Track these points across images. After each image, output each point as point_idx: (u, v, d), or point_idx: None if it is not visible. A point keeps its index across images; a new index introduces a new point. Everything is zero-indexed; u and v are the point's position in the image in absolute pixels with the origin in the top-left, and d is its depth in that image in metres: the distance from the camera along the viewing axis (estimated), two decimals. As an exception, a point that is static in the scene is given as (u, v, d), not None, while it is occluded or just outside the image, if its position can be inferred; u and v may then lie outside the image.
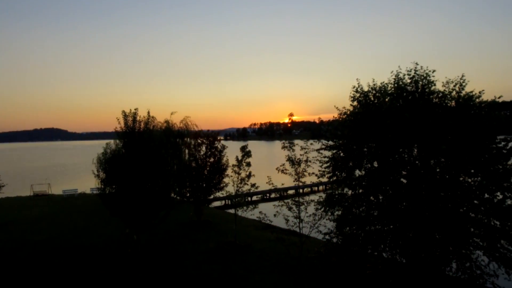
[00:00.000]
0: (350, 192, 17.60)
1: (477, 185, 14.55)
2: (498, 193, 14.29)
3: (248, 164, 23.56)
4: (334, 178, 18.06)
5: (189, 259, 20.76)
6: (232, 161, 24.82)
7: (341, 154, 17.93)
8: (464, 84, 15.80)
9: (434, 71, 16.37)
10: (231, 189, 24.84)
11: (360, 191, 17.18)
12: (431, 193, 14.88)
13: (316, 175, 17.81)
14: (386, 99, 16.75)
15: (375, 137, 16.22)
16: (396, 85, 16.86)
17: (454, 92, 15.89)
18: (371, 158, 16.69)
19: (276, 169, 17.55)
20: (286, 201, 17.02)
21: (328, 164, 18.10)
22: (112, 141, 21.63)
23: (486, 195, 14.38)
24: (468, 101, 15.31)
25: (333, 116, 19.61)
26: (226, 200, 42.39)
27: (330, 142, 18.46)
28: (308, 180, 17.57)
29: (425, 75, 16.34)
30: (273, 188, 19.06)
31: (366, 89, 17.68)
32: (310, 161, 17.17)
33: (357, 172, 17.41)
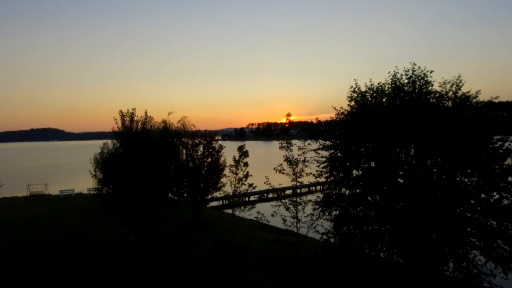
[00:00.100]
0: (347, 192, 17.64)
1: (473, 185, 14.62)
2: (495, 193, 14.36)
3: (246, 164, 23.54)
4: (332, 178, 18.10)
5: (186, 259, 20.73)
6: (229, 161, 24.78)
7: (339, 154, 17.96)
8: (460, 84, 15.88)
9: (432, 71, 16.43)
10: (228, 189, 24.81)
11: (358, 191, 17.22)
12: (428, 193, 14.93)
13: (314, 175, 17.83)
14: (384, 99, 16.80)
15: (372, 137, 16.26)
16: (393, 85, 16.92)
17: (450, 93, 15.98)
18: (368, 158, 16.73)
19: (274, 169, 17.54)
20: (283, 201, 17.01)
21: (326, 164, 18.12)
22: (109, 141, 21.57)
23: (483, 195, 14.45)
24: (465, 101, 15.38)
25: (331, 116, 19.67)
26: (224, 200, 42.43)
27: (328, 142, 18.49)
28: (306, 180, 17.59)
29: (422, 75, 16.40)
30: (270, 188, 19.06)
31: (363, 89, 17.74)
32: (307, 161, 17.17)
33: (355, 172, 17.45)
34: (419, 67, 16.61)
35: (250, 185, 22.94)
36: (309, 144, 17.73)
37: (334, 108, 18.77)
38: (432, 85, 16.33)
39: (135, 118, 21.10)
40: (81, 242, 24.28)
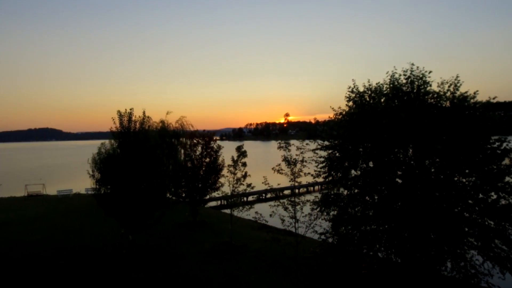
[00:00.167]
0: (345, 192, 17.65)
1: (471, 185, 14.65)
2: (493, 193, 14.41)
3: (244, 164, 23.55)
4: (330, 178, 18.11)
5: (184, 260, 20.70)
6: (228, 161, 24.77)
7: (337, 154, 17.98)
8: (458, 84, 15.91)
9: (430, 71, 16.46)
10: (226, 189, 24.80)
11: (356, 191, 17.23)
12: (426, 193, 14.96)
13: (312, 175, 17.83)
14: (382, 100, 16.82)
15: (371, 137, 16.28)
16: (391, 85, 16.93)
17: (448, 93, 16.01)
18: (367, 158, 16.75)
19: (272, 169, 17.53)
20: (282, 201, 17.00)
21: (324, 164, 18.14)
22: (107, 141, 21.53)
23: (481, 195, 14.49)
24: (463, 101, 15.42)
25: (329, 116, 19.67)
26: (222, 200, 42.30)
27: (326, 142, 18.51)
28: (304, 180, 17.58)
29: (421, 75, 16.43)
30: (269, 188, 19.05)
31: (361, 89, 17.76)
32: (306, 161, 17.17)
33: (353, 172, 17.46)
34: (417, 67, 16.64)
35: (249, 185, 22.95)
36: (307, 144, 17.73)
37: (332, 108, 18.80)
38: (430, 85, 16.36)
39: (133, 118, 21.07)
40: (79, 242, 24.22)
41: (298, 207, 16.50)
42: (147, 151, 20.50)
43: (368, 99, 17.37)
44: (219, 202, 44.79)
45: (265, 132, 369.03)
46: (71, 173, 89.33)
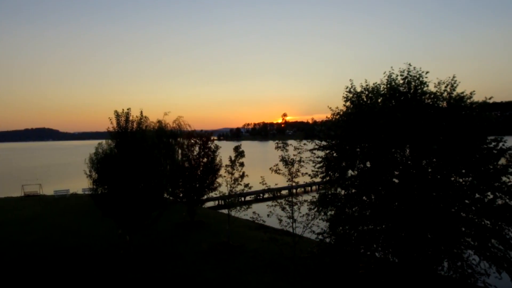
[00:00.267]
0: (343, 192, 17.66)
1: (468, 185, 14.71)
2: (489, 193, 14.46)
3: (242, 164, 23.56)
4: (327, 178, 18.12)
5: (182, 260, 20.68)
6: (225, 161, 24.78)
7: (334, 154, 18.00)
8: (455, 85, 15.97)
9: (427, 72, 16.51)
10: (224, 189, 24.80)
11: (353, 191, 17.26)
12: (423, 193, 15.00)
13: (309, 175, 17.83)
14: (379, 100, 16.85)
15: (368, 137, 16.30)
16: (388, 85, 16.97)
17: (445, 93, 16.05)
18: (364, 158, 16.76)
19: (270, 169, 17.53)
20: (279, 201, 17.01)
21: (321, 164, 18.15)
22: (104, 141, 21.48)
23: (477, 195, 14.54)
24: (459, 102, 15.47)
25: (326, 117, 19.70)
26: (219, 201, 42.33)
27: (323, 142, 18.52)
28: (302, 180, 17.58)
29: (418, 76, 16.47)
30: (266, 188, 19.04)
31: (359, 89, 17.78)
32: (303, 161, 17.17)
33: (350, 172, 17.48)
34: (414, 67, 16.69)
35: (246, 185, 22.95)
36: (305, 144, 17.74)
37: (330, 108, 18.82)
38: (427, 86, 16.40)
39: (130, 118, 21.05)
40: (76, 242, 24.16)
41: (295, 207, 16.50)
42: (144, 151, 20.47)
43: (365, 99, 17.40)
44: (216, 202, 44.79)
45: (262, 132, 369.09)
46: (68, 173, 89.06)
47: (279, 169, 17.18)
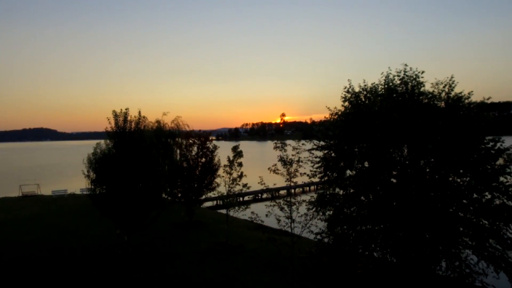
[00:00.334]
0: (341, 192, 17.68)
1: (466, 185, 14.74)
2: (487, 193, 14.50)
3: (240, 164, 23.52)
4: (326, 178, 18.14)
5: (180, 260, 20.66)
6: (223, 161, 24.76)
7: (333, 154, 18.01)
8: (453, 85, 16.01)
9: (423, 72, 16.55)
10: (222, 189, 24.76)
11: (351, 191, 17.27)
12: (421, 193, 15.02)
13: (308, 175, 17.84)
14: (377, 100, 16.88)
15: (366, 138, 16.32)
16: (386, 86, 17.00)
17: (443, 93, 16.10)
18: (362, 158, 16.80)
19: (268, 169, 17.52)
20: (277, 201, 17.00)
21: (320, 164, 18.16)
22: (102, 141, 21.43)
23: (475, 195, 14.58)
24: (457, 102, 15.51)
25: (325, 116, 19.73)
26: (218, 201, 42.34)
27: (322, 143, 18.53)
28: (300, 180, 17.60)
29: (414, 76, 16.52)
30: (264, 188, 19.03)
31: (357, 90, 17.81)
32: (301, 161, 17.17)
33: (348, 172, 17.50)
34: (410, 68, 16.74)
35: (244, 185, 22.90)
36: (303, 144, 17.74)
37: (328, 108, 18.84)
38: (424, 86, 16.45)
39: (129, 118, 21.01)
40: (74, 242, 24.10)
41: (294, 207, 16.50)
42: (142, 151, 20.43)
43: (363, 99, 17.43)
44: (215, 202, 44.78)
45: (261, 132, 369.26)
46: (66, 173, 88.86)
47: (278, 169, 17.17)
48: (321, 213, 17.37)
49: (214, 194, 28.26)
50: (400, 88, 16.67)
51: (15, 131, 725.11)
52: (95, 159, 20.59)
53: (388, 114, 15.39)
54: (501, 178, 14.44)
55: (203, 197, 30.28)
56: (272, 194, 24.77)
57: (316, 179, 18.34)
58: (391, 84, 16.87)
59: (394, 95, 16.57)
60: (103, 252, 21.93)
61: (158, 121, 31.68)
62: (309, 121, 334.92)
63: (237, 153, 23.36)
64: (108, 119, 20.78)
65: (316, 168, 18.24)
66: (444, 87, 16.14)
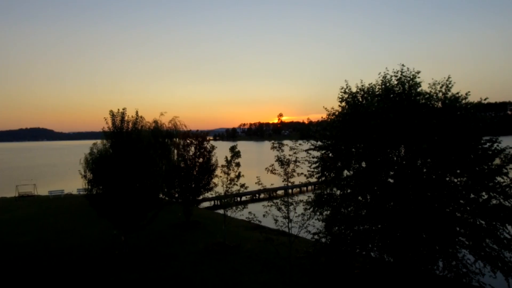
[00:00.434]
0: (338, 192, 17.68)
1: (463, 185, 14.79)
2: (484, 193, 14.54)
3: (238, 165, 23.54)
4: (323, 178, 18.15)
5: (177, 260, 20.62)
6: (221, 161, 24.74)
7: (330, 155, 18.02)
8: (450, 85, 16.05)
9: (419, 72, 16.60)
10: (220, 189, 24.75)
11: (349, 191, 17.28)
12: (418, 193, 15.05)
13: (305, 175, 17.84)
14: (374, 100, 16.90)
15: (363, 138, 16.34)
16: (383, 86, 17.03)
17: (440, 94, 16.13)
18: (359, 158, 16.81)
19: (266, 169, 17.52)
20: (275, 201, 16.98)
21: (317, 164, 18.17)
22: (99, 141, 21.38)
23: (472, 195, 14.62)
24: (454, 102, 15.53)
25: (322, 117, 19.74)
26: (215, 201, 42.27)
27: (319, 143, 18.54)
28: (297, 180, 17.58)
29: (411, 76, 16.55)
30: (262, 188, 19.03)
31: (354, 90, 17.83)
32: (299, 162, 17.16)
33: (346, 172, 17.52)
34: (407, 68, 16.77)
35: (242, 186, 22.92)
36: (300, 144, 17.74)
37: (326, 108, 18.85)
38: (420, 86, 16.48)
39: (126, 118, 20.96)
40: (71, 243, 24.03)
41: (291, 207, 16.49)
42: (139, 151, 20.40)
43: (360, 99, 17.45)
44: (212, 203, 44.74)
45: (258, 132, 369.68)
46: (63, 174, 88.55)
47: (275, 169, 17.15)
48: (318, 213, 17.34)
49: (212, 194, 28.24)
50: (397, 89, 16.70)
51: (12, 131, 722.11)
52: (92, 159, 20.55)
53: (385, 114, 15.41)
54: (498, 178, 14.49)
55: (201, 197, 30.28)
56: (269, 194, 24.78)
57: (313, 179, 18.35)
58: (388, 84, 16.90)
59: (391, 95, 16.60)
60: (100, 253, 21.87)
61: (155, 121, 31.62)
62: (306, 122, 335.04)
63: (235, 153, 23.37)
64: (105, 119, 20.73)
65: (314, 168, 18.26)
66: (441, 87, 16.18)
